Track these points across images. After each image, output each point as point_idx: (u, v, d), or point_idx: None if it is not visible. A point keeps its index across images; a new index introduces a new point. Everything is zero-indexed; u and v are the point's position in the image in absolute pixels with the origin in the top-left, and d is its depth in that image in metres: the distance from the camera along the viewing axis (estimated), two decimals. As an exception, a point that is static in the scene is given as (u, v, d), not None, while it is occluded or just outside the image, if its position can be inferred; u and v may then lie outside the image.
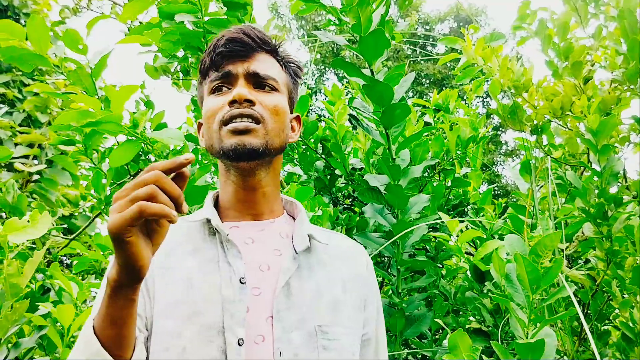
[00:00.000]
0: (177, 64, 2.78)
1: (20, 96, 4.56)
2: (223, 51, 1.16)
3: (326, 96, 3.12)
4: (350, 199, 3.01)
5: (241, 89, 1.13)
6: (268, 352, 1.03)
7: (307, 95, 2.71)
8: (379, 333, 1.27)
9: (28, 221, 1.27)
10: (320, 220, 2.26)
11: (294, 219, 1.27)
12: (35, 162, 3.59)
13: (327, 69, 20.37)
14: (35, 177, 3.38)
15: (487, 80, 2.84)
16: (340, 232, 2.40)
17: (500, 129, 17.01)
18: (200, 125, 1.27)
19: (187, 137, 1.91)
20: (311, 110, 3.18)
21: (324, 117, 2.98)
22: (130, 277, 0.85)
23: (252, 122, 1.12)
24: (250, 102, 1.13)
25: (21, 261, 1.47)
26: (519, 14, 2.62)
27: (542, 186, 2.75)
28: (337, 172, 2.83)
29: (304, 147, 2.87)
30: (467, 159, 3.06)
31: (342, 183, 2.90)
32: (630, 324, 2.09)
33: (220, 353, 1.00)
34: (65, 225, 3.20)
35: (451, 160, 2.83)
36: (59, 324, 1.28)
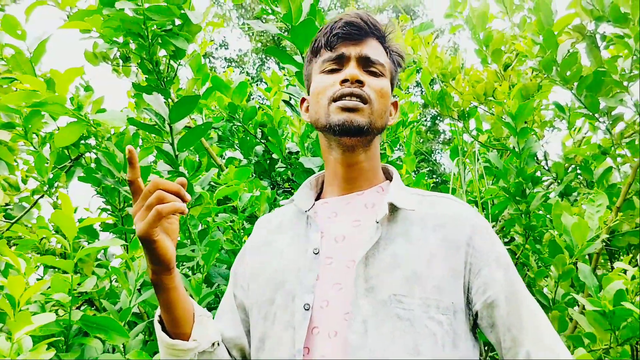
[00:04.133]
0: (116, 50, 2.82)
1: (-49, 83, 4.46)
2: (340, 33, 1.22)
3: (266, 84, 3.21)
4: (289, 182, 3.11)
5: (354, 70, 1.20)
6: (335, 316, 1.09)
7: (246, 82, 2.79)
8: (510, 290, 1.15)
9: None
10: (258, 201, 2.36)
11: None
12: (-31, 150, 3.54)
13: (268, 58, 20.34)
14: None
15: (419, 69, 2.98)
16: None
17: (439, 118, 17.37)
18: (303, 100, 1.37)
19: (129, 121, 1.97)
20: (252, 98, 3.26)
21: (264, 104, 3.07)
22: (162, 269, 1.06)
23: (360, 102, 1.18)
24: (361, 83, 1.20)
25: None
26: (450, 2, 2.74)
27: (471, 169, 2.90)
28: (275, 156, 2.93)
29: (243, 132, 2.96)
30: (400, 143, 3.20)
31: (280, 167, 2.99)
32: (546, 292, 2.26)
33: (292, 317, 1.12)
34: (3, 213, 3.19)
35: (382, 143, 2.96)
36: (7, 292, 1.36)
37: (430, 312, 1.09)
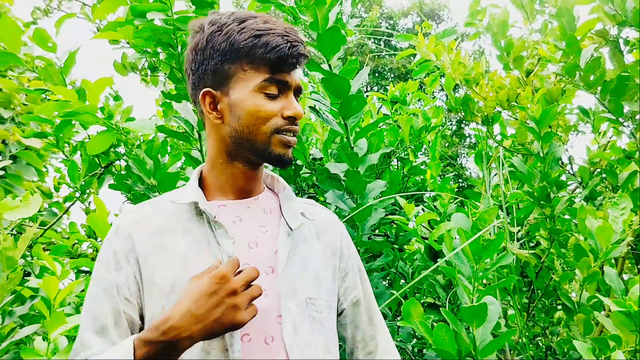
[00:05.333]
0: (144, 60, 2.89)
1: (-18, 92, 4.56)
2: (292, 61, 1.20)
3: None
4: (314, 188, 3.14)
5: (299, 107, 1.22)
6: (267, 322, 1.14)
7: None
8: (366, 290, 1.40)
9: (20, 201, 1.39)
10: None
11: (274, 192, 1.36)
12: (0, 158, 3.62)
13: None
14: (0, 173, 3.42)
15: (443, 75, 3.00)
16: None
17: (464, 122, 17.30)
18: (207, 94, 1.24)
19: (158, 128, 2.03)
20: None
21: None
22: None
23: (295, 138, 1.24)
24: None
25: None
26: (470, 11, 2.76)
27: (496, 174, 2.91)
28: (299, 162, 2.96)
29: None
30: (424, 148, 3.22)
31: (305, 173, 3.02)
32: (572, 296, 2.26)
33: None
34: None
35: (406, 148, 2.99)
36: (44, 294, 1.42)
37: (331, 314, 1.26)
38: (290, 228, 1.25)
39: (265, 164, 1.27)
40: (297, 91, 1.26)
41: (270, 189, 1.37)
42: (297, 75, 1.26)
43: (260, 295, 1.04)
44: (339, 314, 1.34)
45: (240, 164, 1.25)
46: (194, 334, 0.99)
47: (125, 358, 0.99)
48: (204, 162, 2.10)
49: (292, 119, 1.21)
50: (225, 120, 1.23)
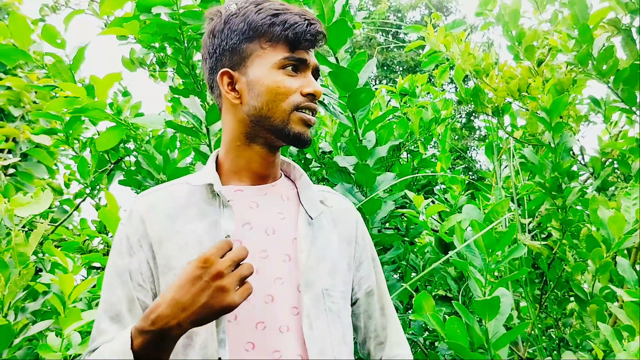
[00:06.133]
0: (152, 56, 2.89)
1: (-9, 91, 4.58)
2: (310, 39, 1.20)
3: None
4: (324, 182, 3.14)
5: (318, 85, 1.21)
6: (282, 311, 1.13)
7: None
8: (379, 280, 1.39)
9: (31, 197, 1.39)
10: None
11: (290, 180, 1.34)
12: (10, 155, 3.64)
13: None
14: (11, 170, 3.44)
15: (452, 66, 2.98)
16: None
17: (473, 114, 17.24)
18: (225, 74, 1.23)
19: (167, 124, 2.02)
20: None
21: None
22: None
23: (314, 117, 1.22)
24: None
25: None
26: (480, 0, 2.74)
27: (507, 166, 2.89)
28: (309, 155, 2.95)
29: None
30: (435, 140, 3.21)
31: (315, 167, 3.02)
32: (585, 287, 2.25)
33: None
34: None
35: (415, 141, 2.98)
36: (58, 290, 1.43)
37: (346, 304, 1.25)
38: (310, 217, 1.23)
39: (284, 145, 1.24)
40: (315, 71, 1.25)
41: (287, 176, 1.35)
42: (314, 56, 1.25)
43: (251, 273, 0.99)
44: (353, 303, 1.33)
45: (259, 146, 1.23)
46: (182, 322, 0.96)
47: (123, 348, 0.98)
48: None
49: (312, 97, 1.20)
50: (243, 100, 1.21)
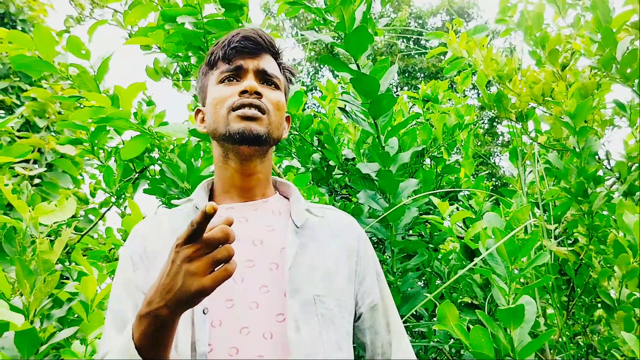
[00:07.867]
0: (176, 65, 2.91)
1: (18, 102, 4.67)
2: (237, 46, 1.28)
3: (321, 92, 3.25)
4: (347, 189, 3.14)
5: (252, 82, 1.26)
6: (267, 317, 1.14)
7: (301, 91, 2.84)
8: (384, 295, 1.38)
9: (55, 205, 1.41)
10: (317, 207, 2.39)
11: (287, 199, 1.38)
12: (36, 166, 3.69)
13: (321, 66, 20.44)
14: (36, 180, 3.49)
15: (475, 72, 2.97)
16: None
17: (496, 120, 17.13)
18: (198, 111, 1.40)
19: (191, 132, 2.04)
20: (307, 106, 3.35)
21: (320, 112, 3.11)
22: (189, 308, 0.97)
23: (258, 112, 1.24)
24: (259, 95, 1.26)
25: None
26: (500, 7, 2.73)
27: (531, 171, 2.87)
28: (332, 163, 2.96)
29: (300, 140, 3.00)
30: (458, 146, 3.19)
31: (338, 174, 3.02)
32: (612, 293, 2.21)
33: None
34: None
35: (439, 146, 2.96)
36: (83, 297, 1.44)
37: (343, 313, 1.24)
38: (296, 226, 1.26)
39: (241, 150, 1.26)
40: (261, 73, 1.30)
41: (283, 196, 1.40)
42: (262, 61, 1.32)
43: (227, 257, 0.93)
44: (357, 319, 1.33)
45: (232, 161, 1.29)
46: (169, 303, 0.94)
47: (127, 343, 0.99)
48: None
49: (247, 93, 1.25)
50: (207, 126, 1.33)
